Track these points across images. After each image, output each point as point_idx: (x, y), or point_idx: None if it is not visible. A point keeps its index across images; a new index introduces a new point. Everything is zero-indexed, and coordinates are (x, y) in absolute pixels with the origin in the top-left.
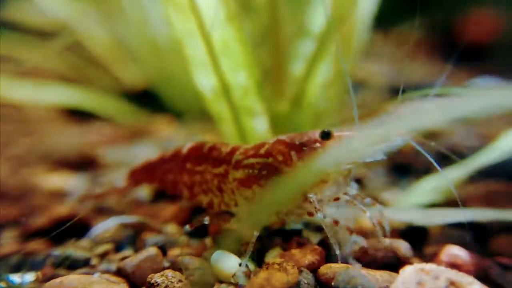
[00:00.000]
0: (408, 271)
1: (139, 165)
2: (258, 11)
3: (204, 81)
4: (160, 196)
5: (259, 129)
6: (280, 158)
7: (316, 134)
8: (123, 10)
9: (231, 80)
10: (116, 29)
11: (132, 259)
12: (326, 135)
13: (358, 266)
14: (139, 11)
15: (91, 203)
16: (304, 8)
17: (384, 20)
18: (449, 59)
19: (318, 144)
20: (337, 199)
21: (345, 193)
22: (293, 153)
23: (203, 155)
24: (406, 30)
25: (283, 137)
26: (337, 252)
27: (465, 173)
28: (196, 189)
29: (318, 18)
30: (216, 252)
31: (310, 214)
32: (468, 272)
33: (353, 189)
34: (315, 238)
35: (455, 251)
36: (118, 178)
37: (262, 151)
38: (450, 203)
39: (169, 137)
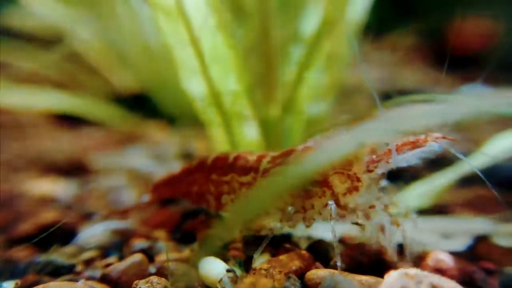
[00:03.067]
0: (392, 276)
1: (162, 178)
2: (249, 17)
3: (194, 87)
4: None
5: (249, 134)
6: None
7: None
8: (116, 15)
9: (221, 86)
10: (110, 35)
11: (117, 265)
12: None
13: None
14: (132, 17)
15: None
16: (296, 13)
17: (377, 27)
18: (441, 65)
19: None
20: (372, 207)
21: (379, 201)
22: None
23: (228, 165)
24: (399, 36)
25: (311, 143)
26: (338, 264)
27: (453, 178)
28: (223, 199)
29: (310, 24)
30: (203, 258)
31: (342, 216)
32: (453, 277)
33: (386, 199)
34: (304, 243)
35: (441, 256)
36: (143, 193)
37: (291, 159)
38: (437, 208)
39: (161, 143)
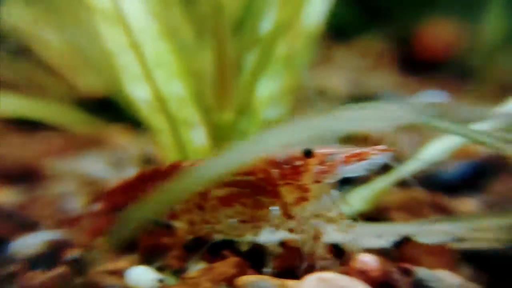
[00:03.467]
0: (308, 280)
1: (115, 185)
2: (203, 19)
3: (138, 92)
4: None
5: (197, 140)
6: (261, 176)
7: (298, 151)
8: (79, 17)
9: (165, 91)
10: (72, 37)
11: (37, 279)
12: (307, 153)
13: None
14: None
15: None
16: (252, 15)
17: (348, 31)
18: (409, 70)
19: (300, 162)
20: (319, 215)
21: (327, 210)
22: (274, 170)
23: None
24: (369, 41)
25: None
26: (267, 269)
27: (392, 181)
28: (176, 208)
29: (266, 26)
30: (134, 268)
31: (290, 225)
32: (375, 277)
33: (336, 208)
34: (245, 248)
35: (365, 258)
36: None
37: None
38: (375, 211)
39: (122, 147)
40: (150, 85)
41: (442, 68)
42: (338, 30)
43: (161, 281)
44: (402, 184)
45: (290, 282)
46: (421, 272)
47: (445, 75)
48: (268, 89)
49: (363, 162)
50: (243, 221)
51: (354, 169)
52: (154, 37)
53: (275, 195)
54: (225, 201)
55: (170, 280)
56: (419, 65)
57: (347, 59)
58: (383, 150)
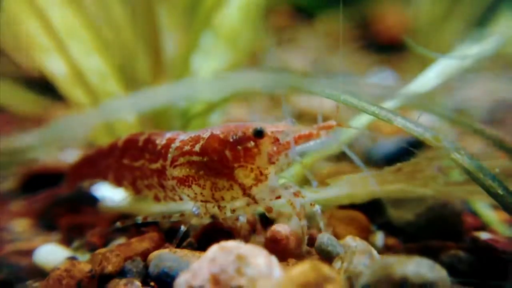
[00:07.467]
0: (211, 250)
1: (77, 161)
2: None
3: (53, 66)
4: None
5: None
6: (215, 157)
7: (250, 130)
8: None
9: (83, 65)
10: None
11: None
12: (259, 134)
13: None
14: None
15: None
16: None
17: (309, 12)
18: (371, 50)
19: (252, 143)
20: (278, 197)
21: (286, 189)
22: (227, 152)
23: (139, 149)
24: (333, 21)
25: (217, 131)
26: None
27: (320, 156)
28: (139, 185)
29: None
30: (43, 246)
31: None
32: (286, 244)
33: (292, 187)
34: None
35: (277, 228)
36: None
37: (197, 148)
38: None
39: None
40: (65, 58)
41: (400, 47)
42: (300, 10)
43: (71, 258)
44: (337, 158)
45: (198, 253)
46: (325, 237)
47: (401, 54)
48: (210, 67)
49: (314, 141)
50: (205, 202)
51: (305, 149)
52: (60, 9)
53: (231, 178)
54: (182, 182)
55: (83, 257)
56: (379, 45)
57: (309, 39)
58: (331, 127)
